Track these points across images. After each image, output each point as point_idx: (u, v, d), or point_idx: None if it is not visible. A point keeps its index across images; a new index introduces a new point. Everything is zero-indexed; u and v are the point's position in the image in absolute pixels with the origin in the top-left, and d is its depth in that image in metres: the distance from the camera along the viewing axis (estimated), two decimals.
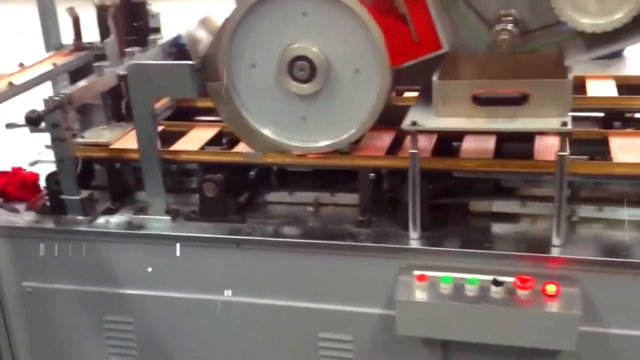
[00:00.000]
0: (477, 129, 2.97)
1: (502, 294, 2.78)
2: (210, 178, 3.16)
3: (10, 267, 3.36)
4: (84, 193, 3.27)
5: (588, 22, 2.59)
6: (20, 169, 3.55)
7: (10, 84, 3.30)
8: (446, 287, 2.83)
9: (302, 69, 2.88)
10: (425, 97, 2.86)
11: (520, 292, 2.76)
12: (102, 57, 3.46)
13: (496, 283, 2.79)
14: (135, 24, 3.48)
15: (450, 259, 2.91)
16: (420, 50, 2.78)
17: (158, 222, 3.24)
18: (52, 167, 3.27)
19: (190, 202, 3.31)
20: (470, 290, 2.81)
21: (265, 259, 3.11)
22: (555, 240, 2.84)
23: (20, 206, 3.43)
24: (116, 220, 3.29)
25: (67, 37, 3.76)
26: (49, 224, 3.30)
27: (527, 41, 2.83)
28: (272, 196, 3.33)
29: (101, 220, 3.29)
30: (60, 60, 3.58)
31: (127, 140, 3.41)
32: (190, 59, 3.08)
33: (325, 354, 3.18)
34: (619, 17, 2.54)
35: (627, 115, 3.37)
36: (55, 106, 3.04)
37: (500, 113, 2.71)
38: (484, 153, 3.12)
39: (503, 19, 2.79)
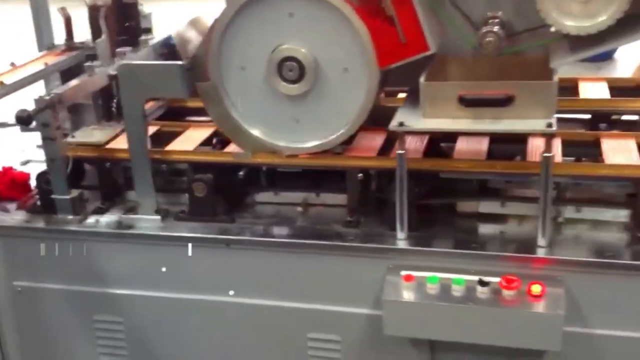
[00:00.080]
0: (464, 130, 3.00)
1: (488, 294, 2.79)
2: (200, 178, 3.17)
3: (0, 267, 3.37)
4: (74, 192, 3.28)
5: (572, 24, 2.61)
6: (10, 168, 3.56)
7: (1, 83, 3.31)
8: (433, 287, 2.84)
9: (291, 69, 2.90)
10: (413, 98, 2.88)
11: (506, 293, 2.77)
12: (93, 57, 3.47)
13: (482, 283, 2.80)
14: (126, 24, 3.49)
15: (437, 260, 2.92)
16: (408, 52, 2.80)
17: (148, 222, 3.25)
18: (43, 167, 3.28)
19: (180, 202, 3.32)
20: (457, 290, 2.82)
21: (254, 259, 3.12)
22: (541, 241, 2.85)
23: (11, 205, 3.44)
24: (106, 219, 3.30)
25: (60, 36, 3.77)
26: (40, 224, 3.31)
27: (513, 43, 2.84)
28: (262, 196, 3.34)
29: (91, 219, 3.30)
30: (52, 59, 3.59)
31: (121, 140, 3.42)
32: (180, 60, 3.09)
33: (313, 354, 3.19)
34: (603, 19, 2.56)
35: (614, 117, 3.39)
36: (45, 105, 3.05)
37: (486, 114, 2.72)
38: (476, 154, 3.13)
39: (489, 21, 2.80)
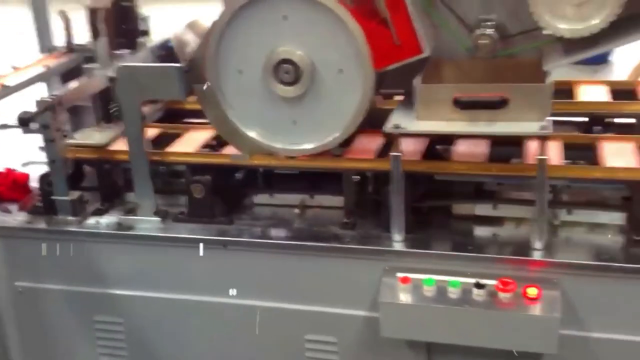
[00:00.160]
0: (458, 133, 2.99)
1: (484, 297, 2.79)
2: (198, 180, 3.18)
3: (2, 268, 3.40)
4: (75, 194, 3.30)
5: (566, 27, 2.59)
6: (12, 169, 3.59)
7: (2, 85, 3.34)
8: (429, 289, 2.84)
9: (287, 71, 2.90)
10: (408, 101, 2.88)
11: (502, 295, 2.77)
12: (92, 59, 3.49)
13: (478, 286, 2.80)
14: (125, 27, 3.51)
15: (433, 262, 2.92)
16: (402, 54, 2.79)
17: (147, 223, 3.27)
18: (45, 168, 3.31)
19: (179, 203, 3.34)
20: (453, 292, 2.82)
21: (251, 261, 3.13)
22: (537, 244, 2.84)
23: (13, 207, 3.47)
24: (106, 221, 3.32)
25: (60, 38, 3.79)
26: (41, 225, 3.33)
27: (507, 46, 2.84)
28: (259, 198, 3.36)
29: (91, 221, 3.32)
30: (52, 62, 3.62)
31: (120, 142, 3.43)
32: (178, 62, 3.11)
33: (311, 356, 3.19)
34: (596, 22, 2.54)
35: (607, 120, 3.37)
36: (46, 107, 3.08)
37: (480, 117, 2.72)
38: (475, 157, 3.13)
39: (483, 23, 2.80)
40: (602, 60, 8.76)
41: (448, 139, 3.26)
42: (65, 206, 3.29)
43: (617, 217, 2.97)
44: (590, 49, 2.63)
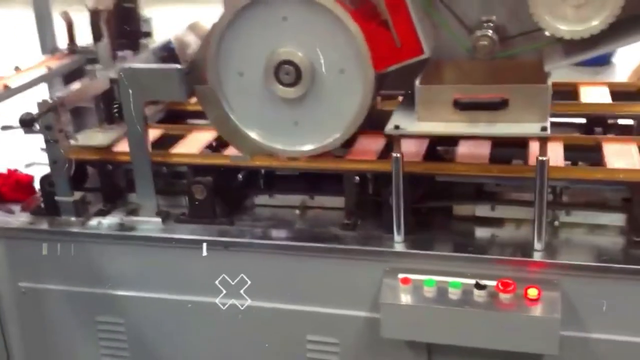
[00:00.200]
0: (458, 134, 3.00)
1: (484, 298, 2.79)
2: (199, 181, 3.19)
3: (5, 268, 3.41)
4: (77, 195, 3.32)
5: (566, 28, 2.59)
6: (15, 170, 3.60)
7: (5, 86, 3.35)
8: (430, 290, 2.85)
9: (287, 73, 2.90)
10: (409, 102, 2.88)
11: (502, 296, 2.77)
12: (94, 60, 3.50)
13: (478, 286, 2.80)
14: (127, 28, 3.52)
15: (434, 263, 2.92)
16: (403, 55, 2.79)
17: (149, 224, 3.28)
18: (47, 169, 3.31)
19: (181, 204, 3.35)
20: (453, 293, 2.83)
21: (253, 261, 3.13)
22: (537, 245, 2.84)
23: (16, 207, 3.48)
24: (108, 221, 3.33)
25: (62, 40, 3.81)
26: (43, 225, 3.34)
27: (507, 47, 2.84)
28: (260, 199, 3.36)
29: (93, 221, 3.33)
30: (55, 63, 3.63)
31: (122, 143, 3.44)
32: (179, 63, 3.11)
33: (312, 357, 3.20)
34: (596, 24, 2.55)
35: (610, 121, 3.37)
36: (48, 109, 3.09)
37: (481, 118, 2.72)
38: (477, 159, 3.13)
39: (483, 24, 2.81)
40: (604, 61, 8.77)
41: (449, 140, 3.27)
42: (67, 207, 3.30)
43: (617, 219, 2.97)
44: (590, 50, 2.63)
